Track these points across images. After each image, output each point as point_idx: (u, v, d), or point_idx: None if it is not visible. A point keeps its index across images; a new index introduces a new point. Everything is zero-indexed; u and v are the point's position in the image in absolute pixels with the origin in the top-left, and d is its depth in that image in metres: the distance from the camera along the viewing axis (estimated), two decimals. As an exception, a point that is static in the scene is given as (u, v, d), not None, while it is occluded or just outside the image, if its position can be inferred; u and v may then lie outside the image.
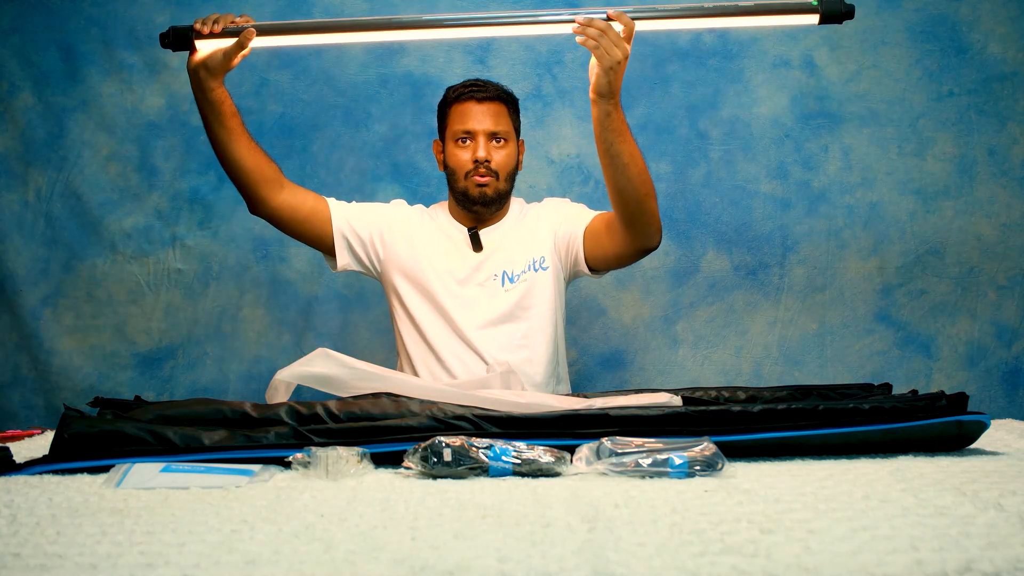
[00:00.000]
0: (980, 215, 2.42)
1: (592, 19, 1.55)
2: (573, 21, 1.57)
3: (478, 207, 1.86)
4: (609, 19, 1.56)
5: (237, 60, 1.66)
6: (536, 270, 1.86)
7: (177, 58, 2.39)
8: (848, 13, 1.57)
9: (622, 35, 1.56)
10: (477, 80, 1.89)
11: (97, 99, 2.39)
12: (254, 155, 1.78)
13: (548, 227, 1.90)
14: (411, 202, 1.99)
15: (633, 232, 1.76)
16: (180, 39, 1.63)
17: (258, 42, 1.63)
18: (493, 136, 1.84)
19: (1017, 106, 2.42)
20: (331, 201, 1.88)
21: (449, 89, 1.91)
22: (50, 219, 2.39)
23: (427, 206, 1.99)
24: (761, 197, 2.42)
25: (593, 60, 1.60)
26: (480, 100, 1.85)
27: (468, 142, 1.84)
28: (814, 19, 1.59)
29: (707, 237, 2.43)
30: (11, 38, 2.39)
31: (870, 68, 2.42)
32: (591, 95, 1.63)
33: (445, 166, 1.90)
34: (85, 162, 2.39)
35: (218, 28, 1.61)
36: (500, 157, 1.85)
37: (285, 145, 2.40)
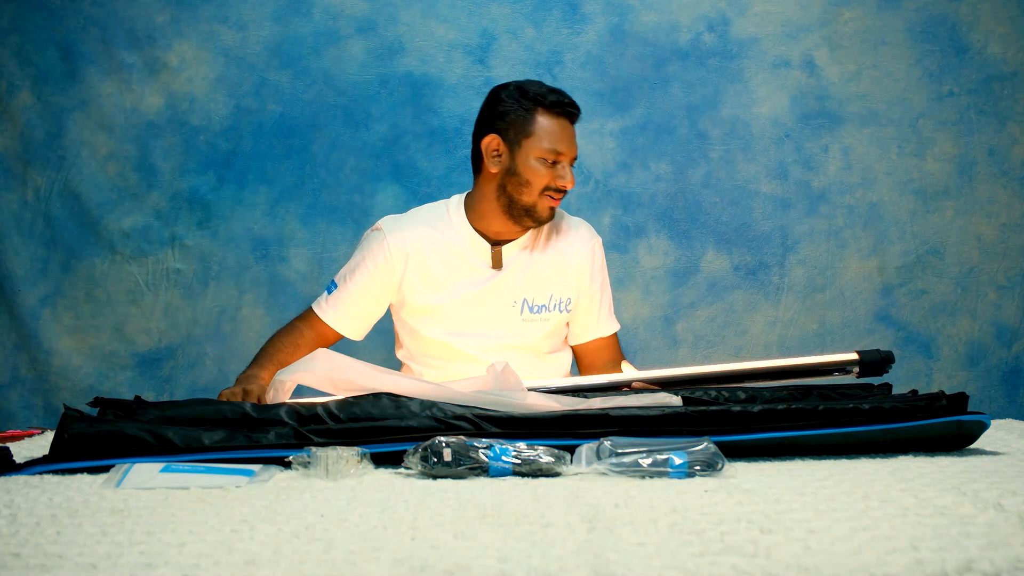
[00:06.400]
0: (980, 215, 2.42)
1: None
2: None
3: (532, 223, 1.73)
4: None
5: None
6: (561, 311, 1.78)
7: (176, 57, 2.40)
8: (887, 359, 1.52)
9: None
10: (563, 92, 1.73)
11: (96, 99, 2.39)
12: (285, 350, 1.70)
13: (579, 274, 1.79)
14: (410, 202, 1.97)
15: None
16: None
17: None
18: (574, 160, 1.73)
19: (1017, 106, 2.42)
20: (339, 326, 1.77)
21: (535, 90, 1.72)
22: (49, 219, 2.39)
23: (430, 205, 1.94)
24: (761, 197, 2.42)
25: None
26: (572, 120, 1.72)
27: (555, 164, 1.69)
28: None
29: (707, 237, 2.42)
30: (10, 37, 2.39)
31: (870, 68, 2.42)
32: None
33: (510, 172, 1.70)
34: (84, 162, 2.38)
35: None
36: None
37: (285, 145, 2.41)
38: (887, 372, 1.52)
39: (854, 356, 1.52)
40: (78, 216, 2.39)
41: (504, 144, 1.70)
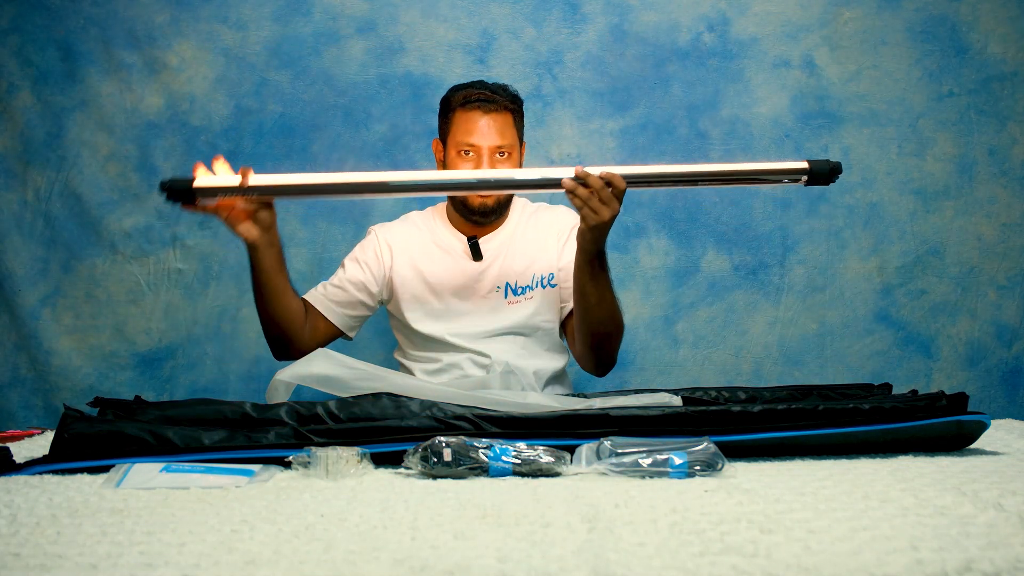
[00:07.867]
0: (980, 215, 2.42)
1: (588, 174, 1.49)
2: (559, 183, 1.51)
3: (477, 217, 1.82)
4: (603, 179, 1.50)
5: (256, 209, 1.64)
6: (545, 287, 1.83)
7: (176, 57, 2.40)
8: (835, 170, 1.53)
9: (613, 194, 1.50)
10: (484, 86, 1.82)
11: (96, 99, 2.39)
12: (296, 298, 1.74)
13: (558, 244, 1.85)
14: (410, 202, 1.98)
15: (583, 355, 1.74)
16: (181, 194, 1.57)
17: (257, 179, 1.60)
18: (498, 149, 1.77)
19: (1017, 106, 2.42)
20: (328, 312, 1.81)
21: (453, 90, 1.84)
22: (49, 219, 2.38)
23: (421, 209, 1.98)
24: (761, 197, 2.42)
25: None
26: (487, 111, 1.77)
27: (471, 154, 1.77)
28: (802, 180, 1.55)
29: (707, 237, 2.43)
30: (10, 37, 2.39)
31: (870, 68, 2.42)
32: (577, 240, 1.58)
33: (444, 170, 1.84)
34: (84, 162, 2.38)
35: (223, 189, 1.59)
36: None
37: (285, 145, 2.40)
38: (834, 182, 1.53)
39: (804, 164, 1.53)
40: (78, 216, 2.39)
41: (442, 147, 1.85)
